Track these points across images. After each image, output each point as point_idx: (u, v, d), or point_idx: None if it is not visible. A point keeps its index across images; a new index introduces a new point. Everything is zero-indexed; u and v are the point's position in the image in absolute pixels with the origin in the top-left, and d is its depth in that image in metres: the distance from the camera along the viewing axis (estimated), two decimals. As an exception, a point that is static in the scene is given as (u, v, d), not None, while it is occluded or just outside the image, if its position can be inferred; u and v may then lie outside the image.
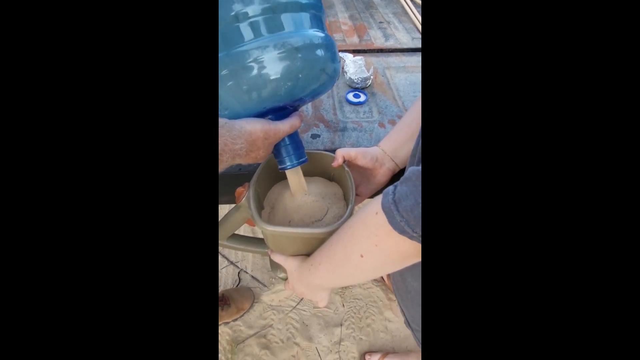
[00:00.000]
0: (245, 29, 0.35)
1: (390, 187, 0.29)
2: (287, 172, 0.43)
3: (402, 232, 0.27)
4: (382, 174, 0.47)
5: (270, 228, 0.39)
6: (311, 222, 0.44)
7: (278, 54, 0.35)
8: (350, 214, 0.40)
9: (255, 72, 0.35)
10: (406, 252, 0.29)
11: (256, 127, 0.36)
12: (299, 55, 0.36)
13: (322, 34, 0.39)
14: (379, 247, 0.30)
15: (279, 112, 0.40)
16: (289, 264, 0.44)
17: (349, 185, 0.44)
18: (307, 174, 0.49)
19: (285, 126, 0.39)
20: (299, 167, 0.43)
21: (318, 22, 0.40)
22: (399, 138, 0.48)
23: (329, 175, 0.50)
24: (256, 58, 0.35)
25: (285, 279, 0.50)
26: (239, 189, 0.44)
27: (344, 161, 0.45)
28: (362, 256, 0.32)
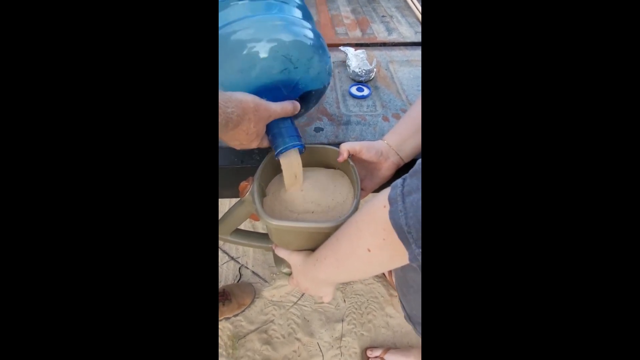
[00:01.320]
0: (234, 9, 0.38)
1: (399, 180, 0.28)
2: (282, 161, 0.42)
3: (395, 224, 0.27)
4: (387, 167, 0.46)
5: (275, 222, 0.39)
6: (314, 215, 0.43)
7: (268, 40, 0.37)
8: (356, 209, 0.40)
9: (245, 51, 0.37)
10: None
11: (246, 97, 0.37)
12: (287, 35, 0.38)
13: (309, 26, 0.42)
14: (387, 241, 0.29)
15: (273, 99, 0.41)
16: (294, 258, 0.43)
17: (354, 179, 0.44)
18: (311, 167, 0.49)
19: (277, 106, 0.40)
20: (295, 161, 0.42)
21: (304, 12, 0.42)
22: (404, 132, 0.47)
23: (333, 169, 0.50)
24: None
25: (289, 274, 0.49)
26: (243, 183, 0.43)
27: (349, 155, 0.45)
28: (369, 250, 0.31)
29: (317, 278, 0.41)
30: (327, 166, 0.49)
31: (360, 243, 0.32)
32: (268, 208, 0.44)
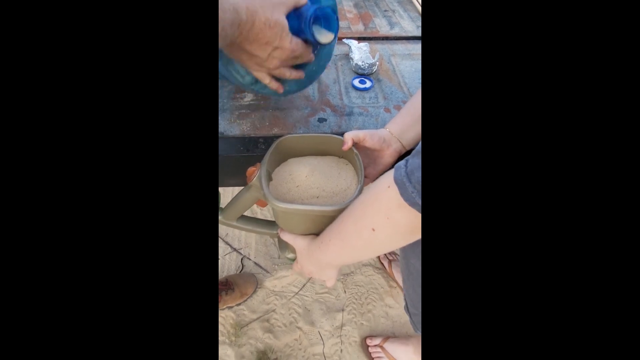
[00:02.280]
0: None
1: (402, 162, 0.30)
2: (318, 35, 0.41)
3: (413, 204, 0.28)
4: (389, 154, 0.48)
5: (282, 205, 0.40)
6: (319, 200, 0.45)
7: None
8: (359, 193, 0.41)
9: None
10: (417, 224, 0.30)
11: None
12: None
13: None
14: (391, 220, 0.31)
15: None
16: (299, 242, 0.45)
17: (357, 166, 0.45)
18: (321, 155, 0.50)
19: None
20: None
21: None
22: (405, 120, 0.48)
23: (337, 158, 0.51)
24: None
25: (293, 260, 0.51)
26: (251, 169, 0.45)
27: (353, 144, 0.46)
28: (373, 230, 0.33)
29: (321, 261, 0.42)
30: (332, 155, 0.51)
31: (365, 223, 0.33)
32: (274, 193, 0.45)
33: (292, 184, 0.46)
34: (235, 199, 0.49)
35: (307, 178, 0.46)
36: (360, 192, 0.41)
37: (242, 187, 0.49)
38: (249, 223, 0.53)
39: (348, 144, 0.45)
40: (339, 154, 0.50)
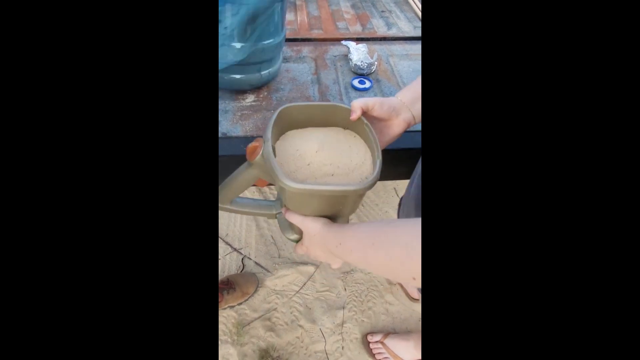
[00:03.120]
0: None
1: None
2: None
3: None
4: (397, 124, 0.45)
5: (300, 186, 0.35)
6: (335, 178, 0.40)
7: None
8: (379, 169, 0.38)
9: None
10: None
11: None
12: None
13: None
14: None
15: None
16: (308, 225, 0.41)
17: (370, 139, 0.41)
18: (322, 126, 0.46)
19: None
20: None
21: None
22: (418, 88, 0.45)
23: (343, 129, 0.46)
24: None
25: (297, 241, 0.47)
26: (253, 145, 0.40)
27: (362, 113, 0.42)
28: (414, 279, 0.29)
29: (333, 254, 0.39)
30: (335, 125, 0.46)
31: (405, 269, 0.29)
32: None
33: (302, 161, 0.41)
34: (231, 179, 0.43)
35: (317, 154, 0.41)
36: (380, 168, 0.38)
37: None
38: (244, 205, 0.48)
39: (357, 113, 0.41)
40: (343, 124, 0.45)
